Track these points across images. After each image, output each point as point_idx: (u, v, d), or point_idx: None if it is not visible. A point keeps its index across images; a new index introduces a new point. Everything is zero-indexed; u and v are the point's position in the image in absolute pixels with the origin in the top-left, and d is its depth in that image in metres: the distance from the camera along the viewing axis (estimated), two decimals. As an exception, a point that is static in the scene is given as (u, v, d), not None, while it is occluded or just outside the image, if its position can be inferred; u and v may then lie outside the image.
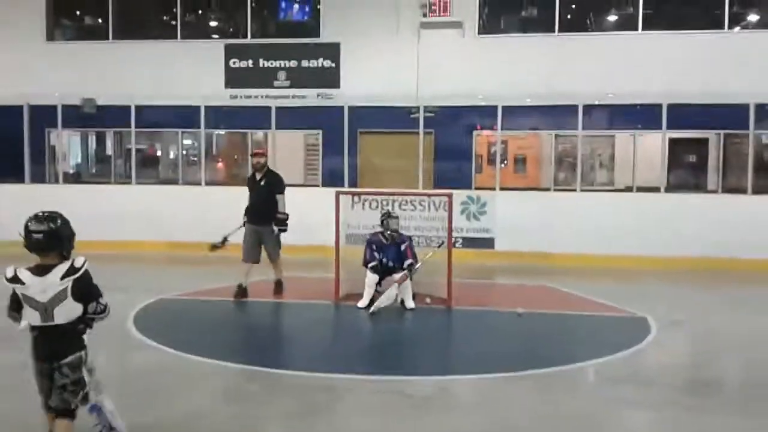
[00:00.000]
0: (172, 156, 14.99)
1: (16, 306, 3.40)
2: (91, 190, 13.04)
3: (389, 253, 7.69)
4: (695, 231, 10.59)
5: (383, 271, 7.66)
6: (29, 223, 3.43)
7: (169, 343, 5.94)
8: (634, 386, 5.18)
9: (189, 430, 4.14)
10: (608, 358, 5.74)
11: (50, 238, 3.40)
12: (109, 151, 14.70)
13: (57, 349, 3.42)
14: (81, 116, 12.75)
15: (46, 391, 3.46)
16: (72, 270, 3.39)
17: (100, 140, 15.05)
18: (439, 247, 8.02)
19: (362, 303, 7.50)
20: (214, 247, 8.18)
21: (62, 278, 3.36)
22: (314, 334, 6.87)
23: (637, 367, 5.71)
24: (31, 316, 3.35)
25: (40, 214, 3.48)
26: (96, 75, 12.63)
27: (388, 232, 7.74)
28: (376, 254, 7.70)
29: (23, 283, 3.34)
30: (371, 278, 7.59)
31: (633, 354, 5.94)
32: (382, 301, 7.30)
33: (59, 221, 3.45)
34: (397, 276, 7.52)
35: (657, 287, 9.29)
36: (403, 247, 7.68)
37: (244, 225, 8.11)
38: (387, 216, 7.89)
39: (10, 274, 3.38)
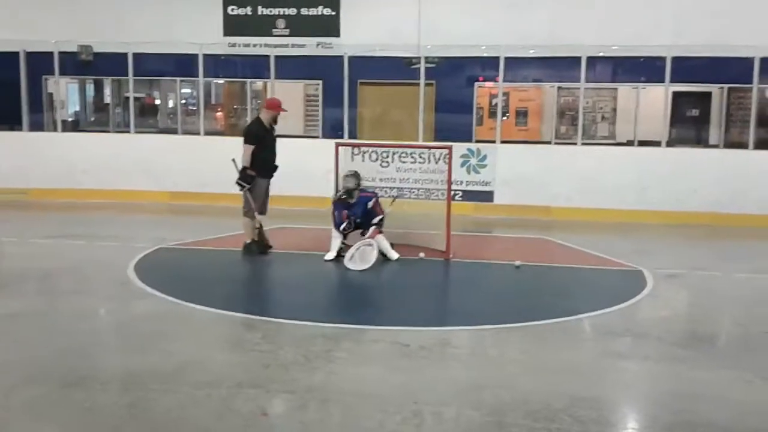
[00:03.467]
0: (170, 105, 14.85)
1: None
2: (89, 138, 12.97)
3: (357, 210, 7.64)
4: (696, 186, 10.58)
5: (354, 228, 7.65)
6: None
7: (169, 291, 6.00)
8: (629, 339, 5.25)
9: (187, 376, 4.21)
10: (604, 311, 5.80)
11: None
12: (107, 99, 14.56)
13: None
14: (78, 64, 12.61)
15: None
16: None
17: (98, 88, 14.90)
18: (393, 201, 7.97)
19: (329, 255, 7.50)
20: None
21: None
22: (314, 284, 6.92)
23: (633, 320, 5.78)
24: None
25: None
26: (92, 21, 12.44)
27: (347, 191, 7.60)
28: (345, 213, 7.62)
29: None
30: (337, 232, 7.62)
31: (628, 307, 6.00)
32: (367, 260, 7.29)
33: None
34: (367, 233, 7.52)
35: (656, 241, 9.33)
36: (370, 204, 7.63)
37: (250, 183, 7.56)
38: (345, 176, 7.73)
39: None
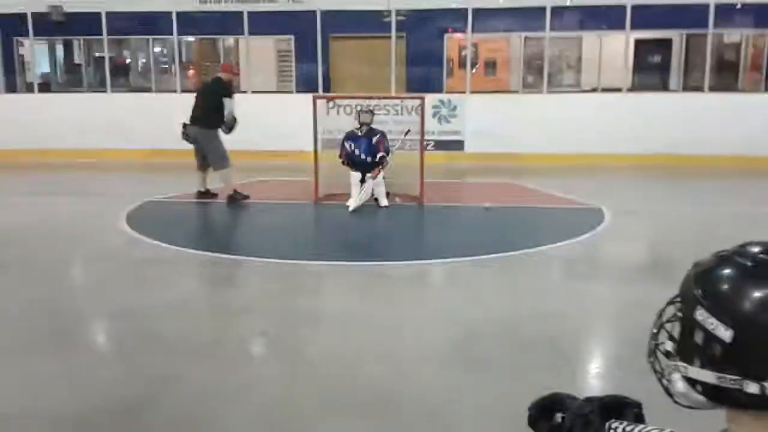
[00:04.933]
0: (141, 64, 14.91)
1: None
2: (63, 99, 13.05)
3: (361, 144, 8.04)
4: (656, 129, 11.11)
5: (356, 164, 8.02)
6: None
7: (161, 238, 6.37)
8: (589, 265, 5.81)
9: (189, 307, 4.65)
10: (565, 242, 6.33)
11: None
12: (79, 59, 14.58)
13: None
14: (48, 25, 12.61)
15: None
16: None
17: (68, 49, 14.88)
18: (405, 135, 8.46)
19: (351, 202, 7.74)
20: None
21: None
22: (298, 229, 7.36)
23: (591, 249, 6.34)
24: None
25: None
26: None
27: (360, 125, 8.11)
28: (347, 146, 8.07)
29: None
30: (354, 176, 7.95)
31: (588, 238, 6.55)
32: (361, 198, 7.75)
33: None
34: (371, 174, 7.92)
35: (617, 182, 9.88)
36: (374, 140, 8.05)
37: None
38: (360, 111, 8.32)
39: None
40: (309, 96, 9.07)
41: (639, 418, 1.13)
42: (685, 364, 0.99)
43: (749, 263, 0.97)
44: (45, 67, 14.56)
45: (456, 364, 3.85)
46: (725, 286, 0.96)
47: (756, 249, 0.99)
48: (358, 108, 8.53)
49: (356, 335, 4.23)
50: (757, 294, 0.93)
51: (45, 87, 13.90)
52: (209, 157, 8.13)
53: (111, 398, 3.37)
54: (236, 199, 8.05)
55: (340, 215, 7.63)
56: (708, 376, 0.96)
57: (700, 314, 0.97)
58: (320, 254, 6.12)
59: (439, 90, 12.23)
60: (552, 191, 8.90)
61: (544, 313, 4.58)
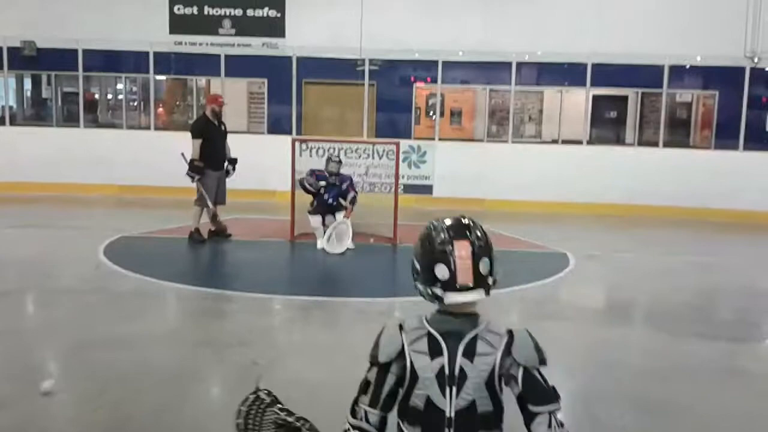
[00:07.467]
0: (110, 100, 14.97)
1: None
2: (32, 132, 13.05)
3: (331, 191, 8.19)
4: (613, 180, 11.70)
5: (320, 204, 8.16)
6: None
7: (143, 271, 6.47)
8: (554, 304, 6.13)
9: (181, 338, 4.77)
10: (533, 284, 6.66)
11: None
12: (48, 94, 14.57)
13: None
14: (21, 59, 12.68)
15: None
16: None
17: (37, 84, 14.86)
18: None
19: (320, 244, 7.98)
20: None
21: None
22: (278, 265, 7.57)
23: (557, 290, 6.67)
24: None
25: None
26: (36, 18, 12.51)
27: (329, 174, 8.18)
28: (313, 179, 8.10)
29: None
30: (315, 220, 8.07)
31: (554, 281, 6.90)
32: (329, 237, 7.94)
33: None
34: (340, 214, 8.13)
35: (578, 229, 10.34)
36: (344, 186, 8.21)
37: (200, 174, 8.01)
38: (329, 159, 8.38)
39: None
40: (281, 137, 9.32)
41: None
42: (414, 280, 1.84)
43: (426, 230, 1.83)
44: (22, 101, 14.53)
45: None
46: (418, 240, 1.84)
47: (435, 221, 1.85)
48: (327, 156, 8.65)
49: (345, 365, 4.39)
50: (420, 244, 1.82)
51: (12, 120, 13.87)
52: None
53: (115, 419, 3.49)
54: (194, 238, 8.12)
55: (317, 253, 7.84)
56: (419, 284, 1.83)
57: (415, 254, 1.84)
58: (300, 290, 6.32)
59: (408, 136, 12.64)
60: (517, 236, 9.27)
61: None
